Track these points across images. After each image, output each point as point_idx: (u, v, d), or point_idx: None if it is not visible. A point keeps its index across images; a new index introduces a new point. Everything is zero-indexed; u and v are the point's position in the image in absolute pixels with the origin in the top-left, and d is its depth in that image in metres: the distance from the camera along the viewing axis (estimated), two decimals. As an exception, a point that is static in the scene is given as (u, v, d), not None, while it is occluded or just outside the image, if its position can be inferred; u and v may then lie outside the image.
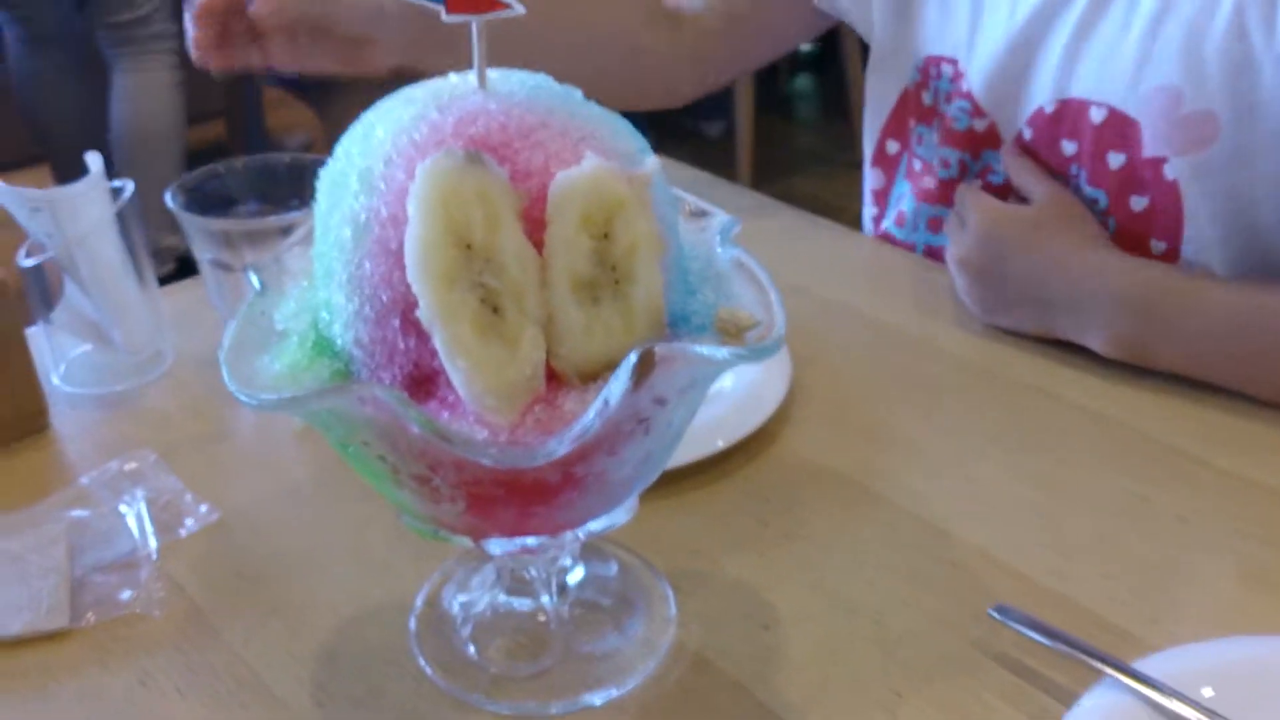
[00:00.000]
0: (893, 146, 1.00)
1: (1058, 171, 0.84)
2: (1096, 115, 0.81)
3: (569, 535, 0.53)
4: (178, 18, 2.37)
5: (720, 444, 0.72)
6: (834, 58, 3.16)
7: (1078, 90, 0.82)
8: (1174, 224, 0.80)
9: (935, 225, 0.95)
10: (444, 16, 0.46)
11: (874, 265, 0.97)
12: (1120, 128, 0.80)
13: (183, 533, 0.68)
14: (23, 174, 2.32)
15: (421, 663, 0.58)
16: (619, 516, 0.53)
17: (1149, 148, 0.79)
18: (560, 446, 0.43)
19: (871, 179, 1.02)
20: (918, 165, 0.96)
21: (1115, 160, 0.81)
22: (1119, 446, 0.72)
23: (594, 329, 0.45)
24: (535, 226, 0.44)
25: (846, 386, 0.79)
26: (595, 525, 0.53)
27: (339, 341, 0.48)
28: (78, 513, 0.69)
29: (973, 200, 0.83)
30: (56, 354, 0.83)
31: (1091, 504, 0.67)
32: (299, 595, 0.63)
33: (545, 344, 0.44)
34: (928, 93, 0.93)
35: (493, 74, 0.49)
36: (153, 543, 0.66)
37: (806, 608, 0.61)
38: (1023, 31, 0.84)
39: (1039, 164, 0.85)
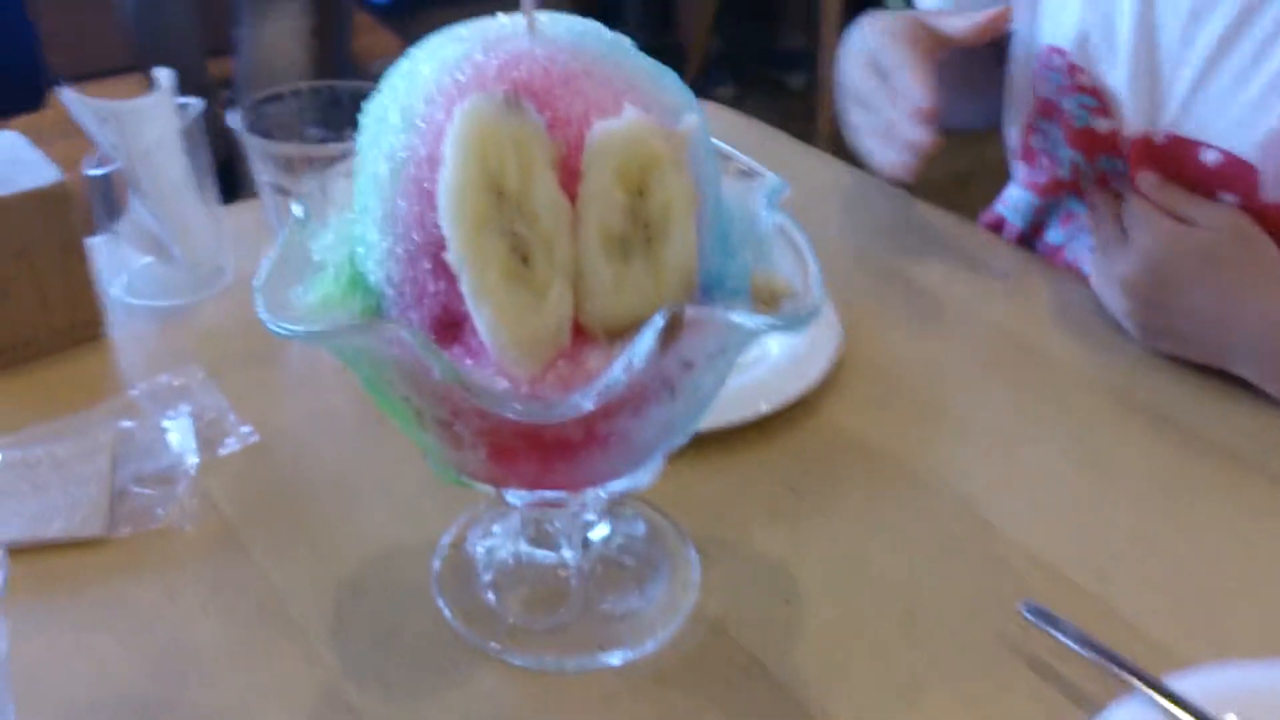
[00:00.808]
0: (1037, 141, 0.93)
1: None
2: (1209, 157, 0.76)
3: (591, 492, 0.53)
4: None
5: (764, 408, 0.71)
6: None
7: (1191, 128, 0.77)
8: None
9: (1040, 215, 0.91)
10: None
11: (939, 236, 0.94)
12: (1236, 171, 0.75)
13: (223, 451, 0.69)
14: (114, 81, 2.35)
15: (440, 604, 0.58)
16: (643, 478, 0.52)
17: (1271, 192, 0.74)
18: (581, 404, 0.43)
19: (1021, 173, 0.95)
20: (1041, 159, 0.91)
21: (1227, 201, 0.76)
22: (1178, 448, 0.69)
23: (623, 286, 0.44)
24: (571, 176, 0.43)
25: (897, 360, 0.77)
26: (618, 485, 0.52)
27: (372, 278, 0.47)
28: (125, 423, 0.70)
29: (1142, 216, 0.76)
30: (119, 264, 0.84)
31: (1142, 505, 0.65)
32: (329, 524, 0.64)
33: (573, 298, 0.44)
34: (1048, 84, 0.87)
35: (543, 17, 0.48)
36: (192, 459, 0.67)
37: (832, 584, 0.60)
38: (1149, 55, 0.78)
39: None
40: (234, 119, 0.79)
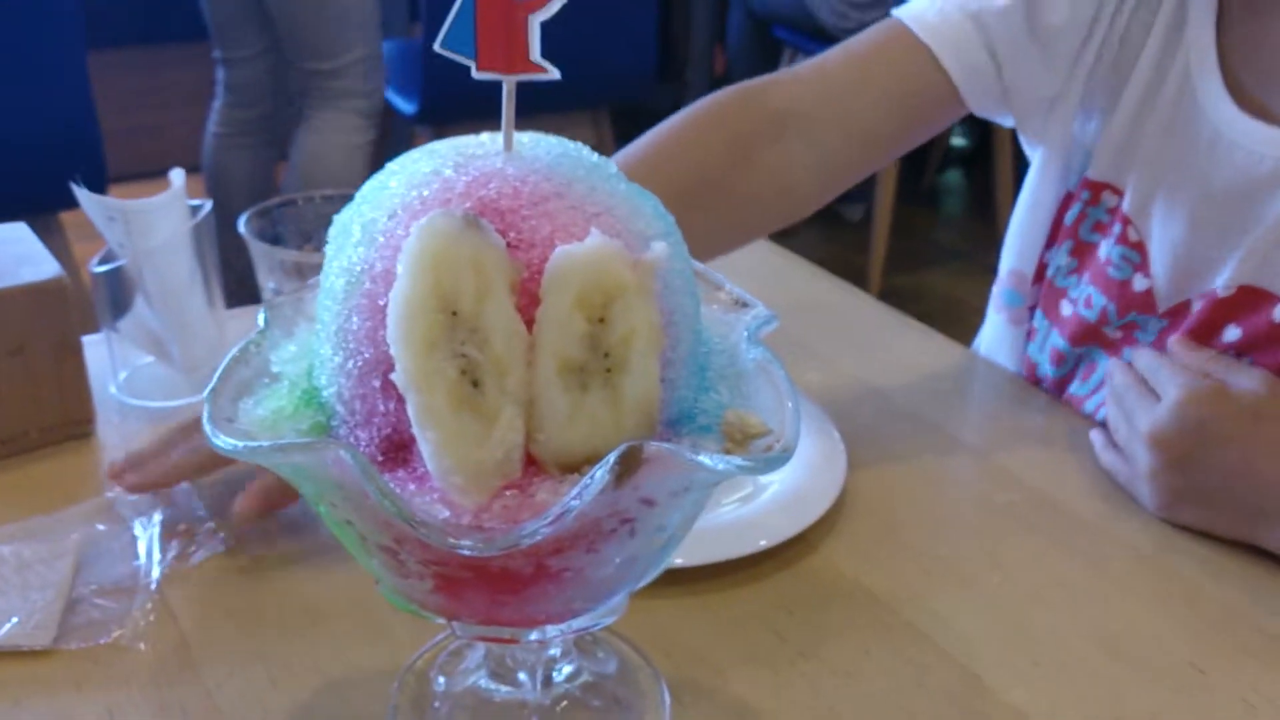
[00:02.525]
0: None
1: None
2: None
3: (550, 629, 0.50)
4: (376, 76, 2.31)
5: (763, 544, 0.68)
6: (987, 155, 3.09)
7: (1264, 280, 0.75)
8: None
9: (1056, 357, 0.88)
10: (474, 73, 0.44)
11: (962, 379, 0.91)
12: None
13: (195, 559, 0.67)
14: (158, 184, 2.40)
15: (392, 738, 0.55)
16: (603, 617, 0.49)
17: None
18: (525, 538, 0.40)
19: (1031, 296, 0.92)
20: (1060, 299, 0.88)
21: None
22: (1209, 626, 0.64)
23: (578, 417, 0.41)
24: (531, 301, 0.41)
25: (902, 503, 0.74)
26: (577, 623, 0.49)
27: (324, 393, 0.45)
28: (98, 526, 0.68)
29: (1174, 373, 0.72)
30: (119, 362, 0.83)
31: (1161, 687, 0.60)
32: (288, 644, 0.61)
33: (524, 427, 0.41)
34: (1085, 222, 0.85)
35: (524, 137, 0.46)
36: (156, 571, 0.65)
37: (810, 741, 0.56)
38: (1219, 215, 0.77)
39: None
40: (242, 223, 0.79)
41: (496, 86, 0.45)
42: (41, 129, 1.83)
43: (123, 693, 0.58)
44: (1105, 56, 0.83)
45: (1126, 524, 0.72)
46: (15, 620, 0.60)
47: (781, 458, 0.43)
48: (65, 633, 0.61)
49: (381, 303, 0.42)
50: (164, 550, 0.66)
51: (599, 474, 0.39)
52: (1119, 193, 0.83)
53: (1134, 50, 0.82)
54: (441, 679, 0.58)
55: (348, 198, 0.85)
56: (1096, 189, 0.84)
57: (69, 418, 0.77)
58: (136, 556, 0.66)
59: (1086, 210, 0.85)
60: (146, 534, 0.67)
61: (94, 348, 0.81)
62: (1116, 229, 0.83)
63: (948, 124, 0.91)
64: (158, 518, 0.68)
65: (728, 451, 0.44)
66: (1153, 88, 0.81)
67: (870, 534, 0.71)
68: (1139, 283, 0.81)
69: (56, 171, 1.74)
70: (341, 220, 0.46)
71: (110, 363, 0.83)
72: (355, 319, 0.43)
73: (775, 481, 0.73)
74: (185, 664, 0.59)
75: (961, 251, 3.21)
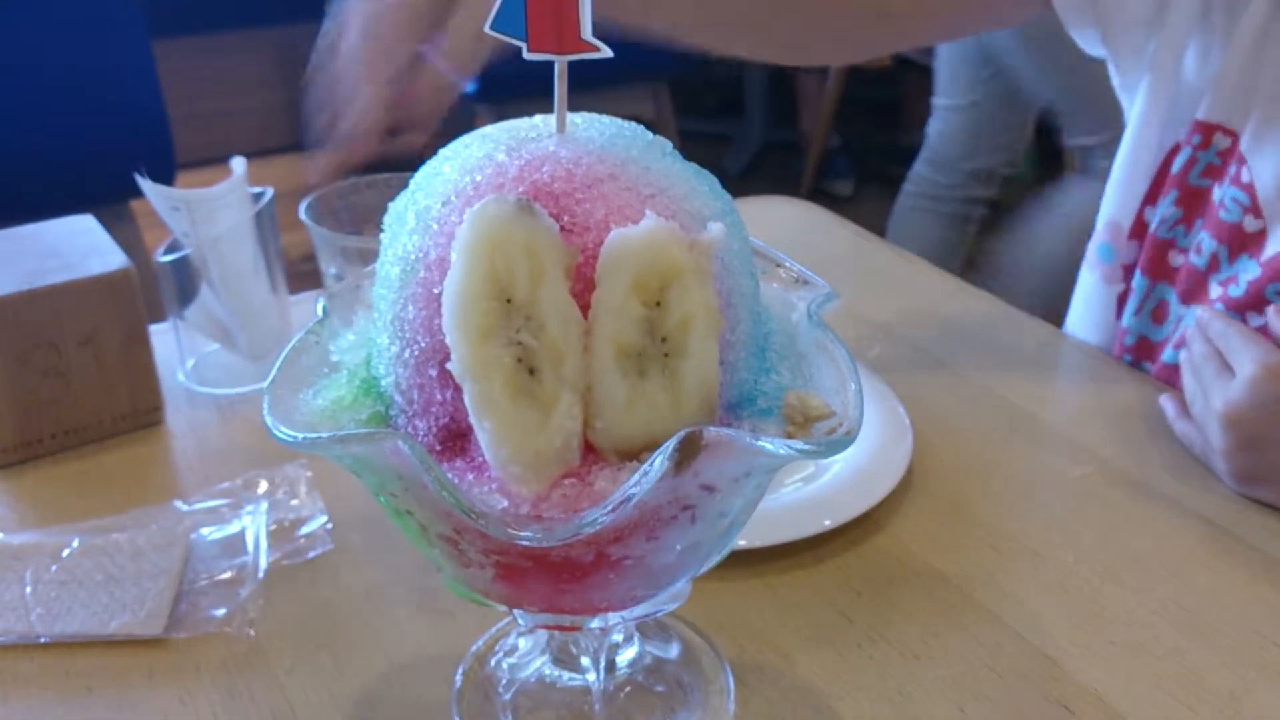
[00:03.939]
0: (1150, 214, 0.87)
1: None
2: None
3: (612, 616, 0.49)
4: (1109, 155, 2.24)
5: (828, 524, 0.67)
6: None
7: None
8: None
9: (1159, 314, 0.86)
10: (525, 53, 0.44)
11: (1030, 350, 0.89)
12: None
13: (309, 556, 0.66)
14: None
15: (457, 723, 0.55)
16: (666, 603, 0.49)
17: None
18: (585, 527, 0.40)
19: (1127, 253, 0.89)
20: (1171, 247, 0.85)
21: None
22: (1274, 587, 0.63)
23: (636, 404, 0.41)
24: (586, 286, 0.41)
25: (972, 480, 0.72)
26: (639, 610, 0.49)
27: (383, 382, 0.45)
28: (205, 514, 0.69)
29: (1248, 345, 0.70)
30: (185, 350, 0.84)
31: (1241, 664, 0.59)
32: (353, 632, 0.61)
33: (582, 414, 0.41)
34: (1194, 167, 0.82)
35: (577, 118, 0.46)
36: (264, 561, 0.65)
37: (878, 725, 0.55)
38: None
39: None
40: (303, 209, 0.79)
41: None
42: (111, 119, 1.85)
43: (193, 680, 0.58)
44: None
45: (1203, 498, 0.70)
46: (129, 609, 0.61)
47: (845, 441, 0.42)
48: (174, 622, 0.61)
49: (436, 291, 0.41)
50: (272, 543, 0.66)
51: (658, 461, 0.39)
52: (1231, 133, 0.80)
53: None
54: (505, 664, 0.58)
55: (406, 182, 0.85)
56: (1208, 131, 0.81)
57: (139, 406, 0.78)
58: (245, 547, 0.66)
59: (1196, 155, 0.82)
60: (255, 524, 0.67)
61: (161, 336, 0.82)
62: (1231, 169, 0.80)
63: (1024, 18, 0.90)
64: (264, 506, 0.69)
65: (789, 435, 0.43)
66: (1272, 16, 0.77)
67: (938, 512, 0.69)
68: (1250, 224, 0.79)
69: (126, 161, 1.77)
70: (396, 208, 0.45)
71: (177, 351, 0.84)
72: (411, 308, 0.42)
73: (839, 460, 0.72)
74: (254, 651, 0.60)
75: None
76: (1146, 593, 0.63)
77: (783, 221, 1.11)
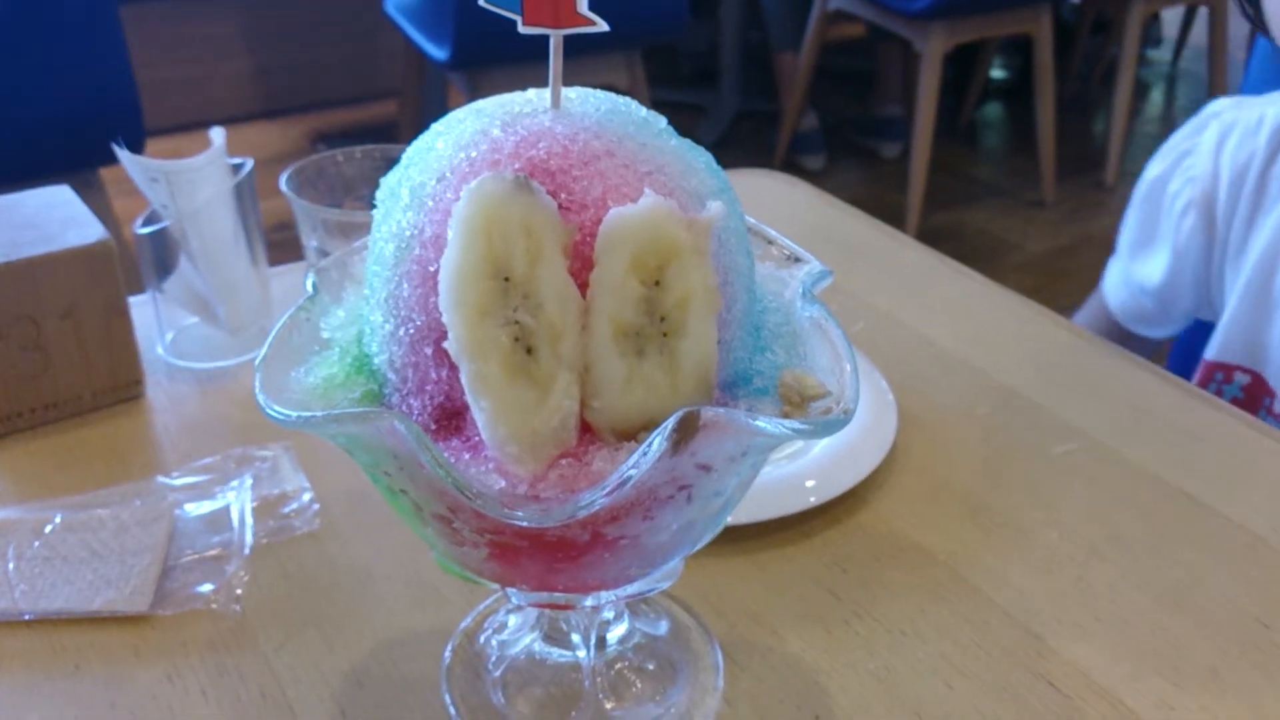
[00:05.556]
0: None
1: None
2: None
3: (605, 595, 0.49)
4: None
5: (813, 501, 0.67)
6: (1027, 88, 3.03)
7: None
8: None
9: None
10: (520, 28, 0.43)
11: (1011, 325, 0.89)
12: None
13: (297, 532, 0.66)
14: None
15: (447, 700, 0.55)
16: (659, 582, 0.49)
17: None
18: (582, 508, 0.40)
19: None
20: None
21: None
22: (1257, 564, 0.64)
23: (634, 383, 0.41)
24: (584, 264, 0.40)
25: (956, 456, 0.73)
26: (632, 588, 0.49)
27: (375, 361, 0.45)
28: (189, 490, 0.68)
29: None
30: (165, 323, 0.83)
31: (1223, 639, 0.59)
32: (341, 609, 0.61)
33: (579, 394, 0.41)
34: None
35: (571, 93, 0.45)
36: (249, 538, 0.65)
37: (866, 702, 0.56)
38: None
39: None
40: (284, 180, 0.79)
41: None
42: (78, 86, 1.82)
43: (180, 657, 0.58)
44: None
45: (1187, 475, 0.71)
46: (114, 585, 0.61)
47: (841, 420, 0.42)
48: (160, 599, 0.61)
49: (432, 269, 0.41)
50: (256, 519, 0.66)
51: (656, 441, 0.39)
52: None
53: None
54: (494, 641, 0.58)
55: (387, 153, 0.84)
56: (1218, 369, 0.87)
57: (120, 380, 0.77)
58: (230, 523, 0.65)
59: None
60: (239, 500, 0.67)
61: (140, 309, 0.81)
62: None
63: None
64: (249, 483, 0.68)
65: (785, 414, 0.43)
66: None
67: (924, 489, 0.70)
68: None
69: (95, 128, 1.74)
70: (389, 183, 0.45)
71: (156, 324, 0.83)
72: (406, 286, 0.42)
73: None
74: (242, 629, 0.60)
75: (1002, 188, 3.16)
76: (1130, 569, 0.64)
77: (763, 195, 1.11)
